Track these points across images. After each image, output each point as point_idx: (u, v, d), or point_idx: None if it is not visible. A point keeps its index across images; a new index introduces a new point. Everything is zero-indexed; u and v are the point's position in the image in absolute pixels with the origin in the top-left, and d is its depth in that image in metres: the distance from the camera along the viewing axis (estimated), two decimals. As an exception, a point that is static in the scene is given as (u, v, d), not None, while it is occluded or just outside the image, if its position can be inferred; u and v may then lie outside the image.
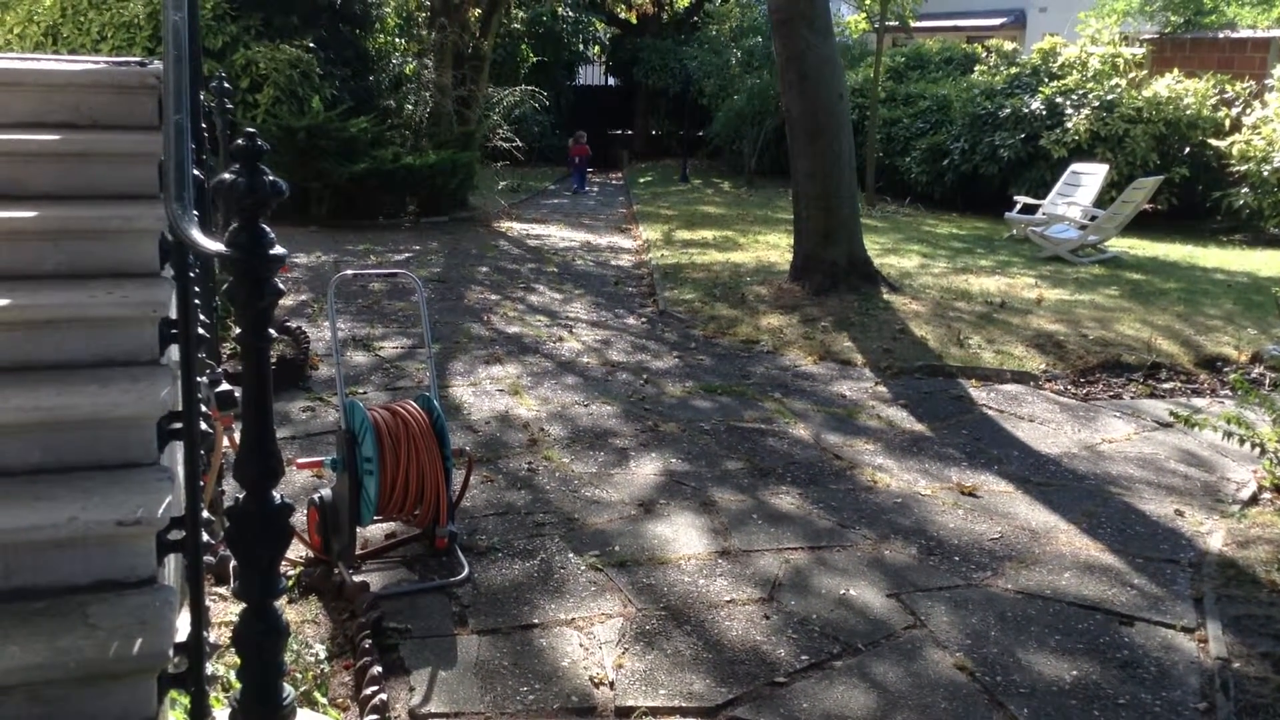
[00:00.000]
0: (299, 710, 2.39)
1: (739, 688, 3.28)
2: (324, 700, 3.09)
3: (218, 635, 3.10)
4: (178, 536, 2.50)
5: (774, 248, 11.67)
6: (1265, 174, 13.23)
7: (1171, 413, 5.35)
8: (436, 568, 4.04)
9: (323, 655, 3.33)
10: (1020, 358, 7.33)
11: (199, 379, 2.76)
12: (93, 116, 3.12)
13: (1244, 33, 16.85)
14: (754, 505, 4.76)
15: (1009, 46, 18.27)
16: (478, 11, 15.76)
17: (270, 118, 12.66)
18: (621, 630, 3.61)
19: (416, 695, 3.19)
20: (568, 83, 24.40)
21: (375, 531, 4.33)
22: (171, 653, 2.31)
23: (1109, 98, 14.63)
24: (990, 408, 6.39)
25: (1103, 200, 12.30)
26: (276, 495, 2.07)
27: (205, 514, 2.67)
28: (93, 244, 2.88)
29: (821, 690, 3.29)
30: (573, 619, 3.68)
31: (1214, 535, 4.57)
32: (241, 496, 2.06)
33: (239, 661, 2.20)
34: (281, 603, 2.16)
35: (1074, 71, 15.70)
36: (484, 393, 6.36)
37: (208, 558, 3.11)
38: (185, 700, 2.53)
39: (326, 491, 4.03)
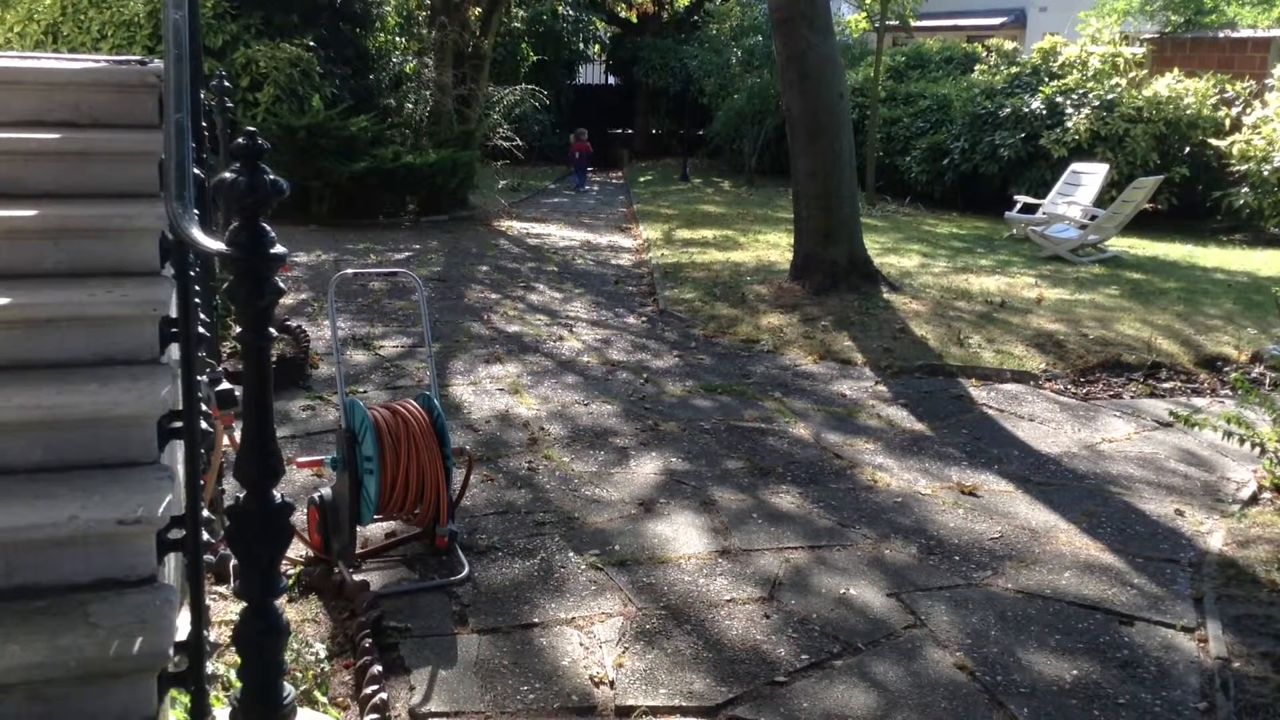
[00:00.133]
0: (299, 709, 2.39)
1: (739, 687, 3.28)
2: (324, 699, 3.09)
3: (218, 634, 3.10)
4: (178, 535, 2.50)
5: (774, 247, 11.66)
6: (1265, 174, 13.23)
7: (1171, 412, 5.35)
8: (436, 567, 4.04)
9: (323, 654, 3.33)
10: (1020, 357, 7.33)
11: (199, 378, 2.76)
12: (93, 115, 3.12)
13: (1244, 32, 16.85)
14: (754, 504, 4.76)
15: (1009, 46, 18.26)
16: (478, 10, 15.75)
17: (270, 116, 12.66)
18: (622, 629, 3.61)
19: (417, 694, 3.19)
20: (568, 82, 24.39)
21: (375, 530, 4.33)
22: (172, 651, 2.31)
23: (1109, 97, 14.63)
24: (990, 407, 6.39)
25: (1103, 200, 12.30)
26: (277, 494, 2.07)
27: (205, 513, 2.67)
28: (93, 242, 2.87)
29: (822, 690, 3.29)
30: (573, 618, 3.68)
31: (1214, 535, 4.57)
32: (242, 495, 2.06)
33: (239, 660, 2.20)
34: (282, 602, 2.16)
35: (1074, 71, 15.69)
36: (484, 392, 6.35)
37: (208, 556, 3.11)
38: (185, 699, 2.53)
39: (326, 490, 4.03)
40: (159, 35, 12.50)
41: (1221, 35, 16.97)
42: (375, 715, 2.94)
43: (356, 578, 3.79)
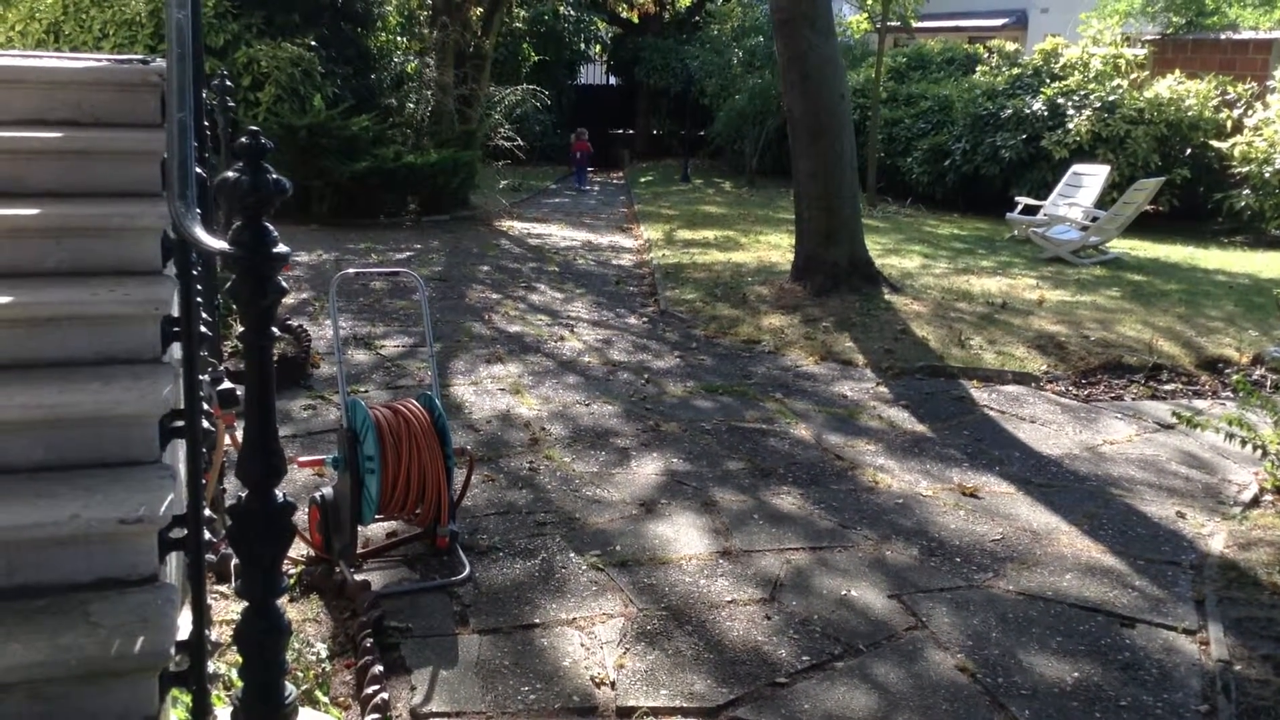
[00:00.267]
0: (300, 709, 2.38)
1: (740, 688, 3.28)
2: (325, 699, 3.09)
3: (219, 633, 3.09)
4: (179, 534, 2.50)
5: (775, 248, 11.66)
6: (1267, 175, 13.23)
7: (1174, 413, 5.35)
8: (438, 567, 4.04)
9: (324, 654, 3.32)
10: (1021, 359, 7.33)
11: (201, 377, 2.76)
12: (95, 114, 3.12)
13: (1246, 34, 16.84)
14: (755, 505, 4.75)
15: (1011, 47, 18.25)
16: (479, 10, 15.76)
17: (272, 116, 12.66)
18: (623, 630, 3.61)
19: (418, 694, 3.18)
20: (569, 82, 24.40)
21: (376, 530, 4.33)
22: (173, 651, 2.30)
23: (1110, 99, 14.63)
24: (991, 409, 6.39)
25: (1104, 201, 12.30)
26: (279, 494, 2.07)
27: (207, 512, 2.67)
28: (95, 241, 2.87)
29: (823, 691, 3.29)
30: (574, 619, 3.68)
31: (1215, 537, 4.57)
32: (244, 495, 2.06)
33: (240, 660, 2.20)
34: (283, 601, 2.16)
35: (1075, 72, 15.69)
36: (485, 392, 6.35)
37: (209, 556, 3.10)
38: (187, 698, 2.52)
39: (328, 490, 4.03)
40: (161, 34, 12.56)
41: (1223, 37, 16.97)
42: (376, 715, 2.94)
43: (358, 577, 3.79)
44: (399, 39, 16.53)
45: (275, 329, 2.04)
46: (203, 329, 2.85)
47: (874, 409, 6.30)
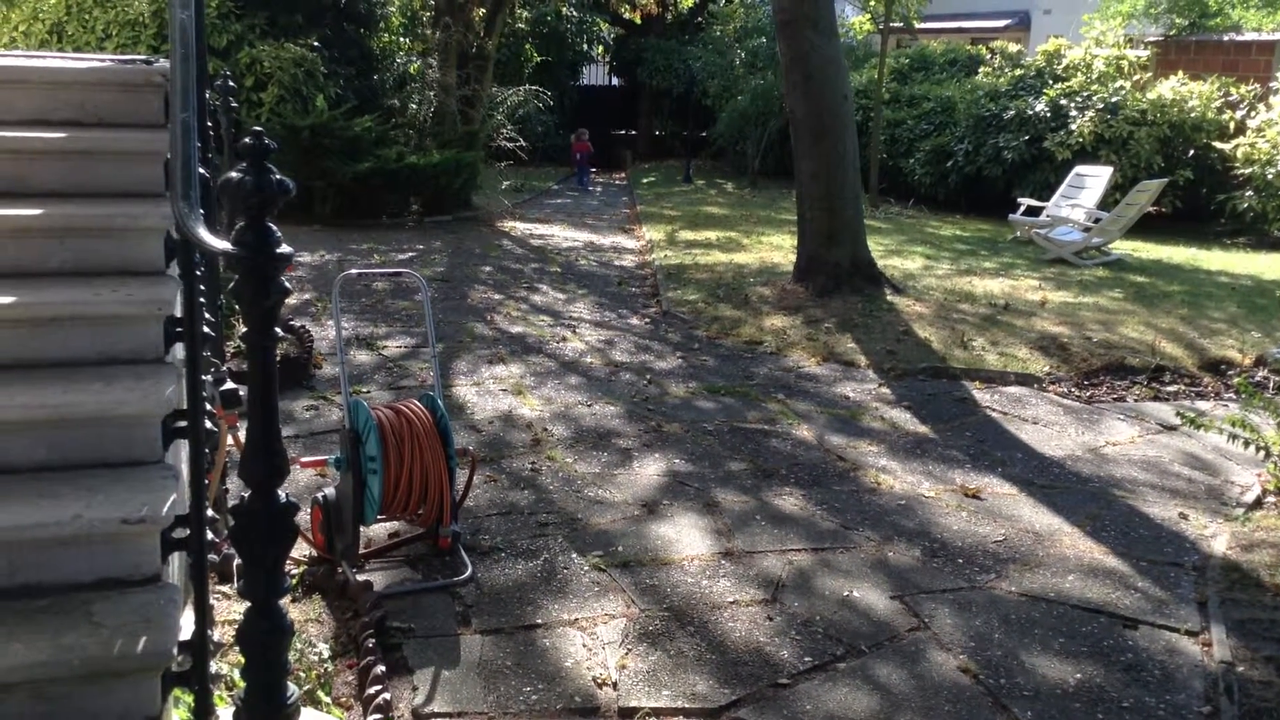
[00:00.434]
0: (303, 709, 2.38)
1: (742, 689, 3.28)
2: (327, 699, 3.09)
3: (221, 634, 3.09)
4: (182, 535, 2.50)
5: (777, 249, 11.66)
6: (1269, 177, 13.21)
7: (1178, 414, 5.34)
8: (440, 567, 4.04)
9: (326, 654, 3.32)
10: (1024, 360, 7.32)
11: (204, 377, 2.76)
12: (98, 114, 3.12)
13: (1249, 35, 16.83)
14: (757, 506, 4.75)
15: (1013, 48, 18.25)
16: (482, 11, 15.77)
17: (274, 116, 12.67)
18: (625, 631, 3.61)
19: (420, 695, 3.18)
20: (571, 83, 24.40)
21: (379, 530, 4.33)
22: (175, 651, 2.31)
23: (1113, 100, 14.61)
24: (994, 410, 6.38)
25: (1107, 203, 12.29)
26: (282, 494, 2.07)
27: (210, 512, 2.67)
28: (98, 242, 2.88)
29: (825, 692, 3.29)
30: (576, 619, 3.68)
31: (1218, 539, 4.56)
32: (247, 495, 2.06)
33: (243, 660, 2.20)
34: (285, 601, 2.16)
35: (1078, 73, 15.68)
36: (487, 392, 6.36)
37: (212, 556, 3.11)
38: (189, 699, 2.53)
39: (330, 490, 4.03)
40: (164, 35, 12.57)
41: (1226, 38, 16.96)
42: (378, 715, 2.94)
43: (360, 578, 3.79)
44: (402, 40, 16.54)
45: (278, 329, 2.05)
46: (205, 329, 2.85)
47: (876, 410, 6.30)
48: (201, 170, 2.53)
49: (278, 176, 1.94)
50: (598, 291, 9.76)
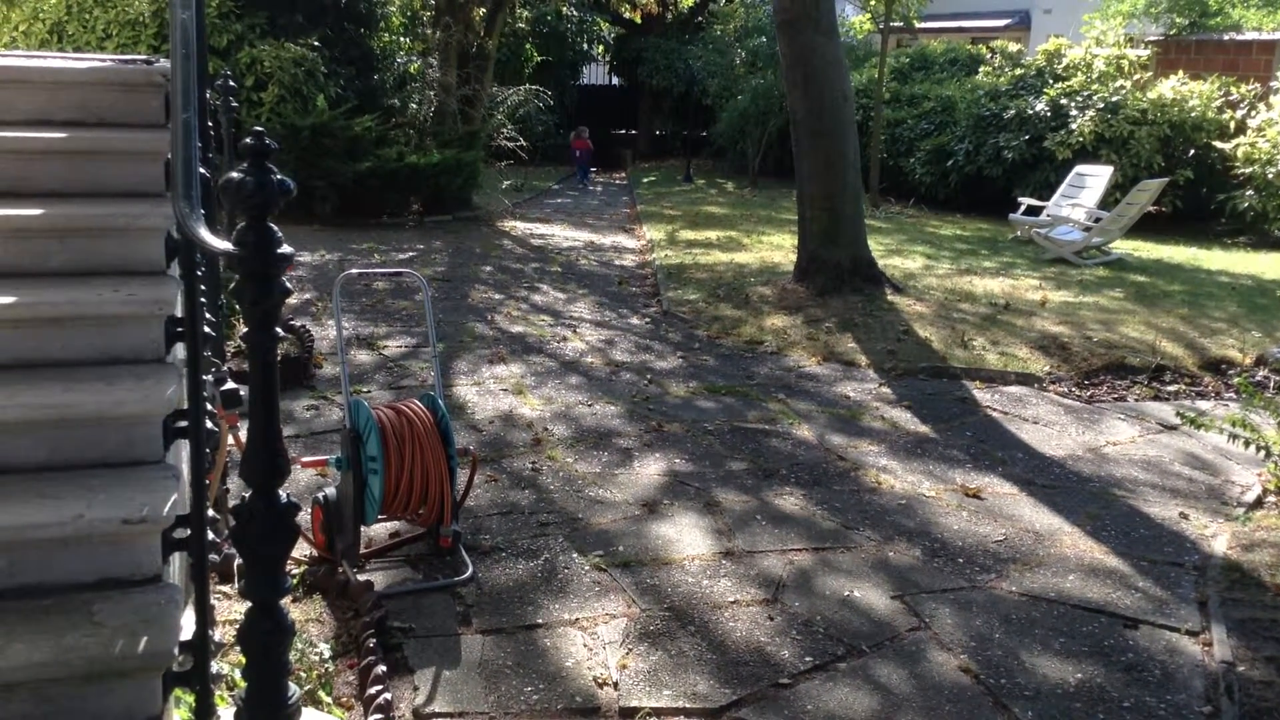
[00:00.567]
0: (303, 709, 2.39)
1: (743, 689, 3.28)
2: (328, 699, 3.09)
3: (222, 634, 3.10)
4: (183, 535, 2.50)
5: (778, 248, 11.66)
6: (1270, 176, 13.21)
7: (1179, 413, 5.34)
8: (441, 567, 4.04)
9: (327, 654, 3.33)
10: (1024, 359, 7.32)
11: (205, 377, 2.76)
12: (99, 114, 3.12)
13: (1249, 35, 16.83)
14: (758, 506, 4.75)
15: (1014, 48, 18.24)
16: (482, 10, 15.76)
17: (275, 116, 12.67)
18: (625, 631, 3.61)
19: (420, 694, 3.19)
20: (572, 82, 24.41)
21: (379, 530, 4.33)
22: (177, 651, 2.31)
23: (1114, 99, 14.61)
24: (994, 409, 6.39)
25: (1107, 202, 12.29)
26: (282, 494, 2.07)
27: (210, 512, 2.67)
28: (99, 241, 2.88)
29: (825, 692, 3.29)
30: (576, 619, 3.68)
31: (1218, 538, 4.56)
32: (247, 495, 2.06)
33: (244, 660, 2.20)
34: (286, 601, 2.16)
35: (1079, 73, 15.68)
36: (488, 392, 6.36)
37: (213, 556, 3.11)
38: (190, 699, 2.53)
39: (331, 490, 4.03)
40: (164, 34, 12.56)
41: (1226, 38, 16.95)
42: (379, 715, 2.94)
43: (361, 578, 3.79)
44: (402, 39, 16.53)
45: (279, 329, 2.05)
46: (206, 329, 2.85)
47: (877, 410, 6.30)
48: (202, 170, 2.53)
49: (279, 177, 1.94)
50: (598, 291, 9.76)
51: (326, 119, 12.66)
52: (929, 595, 3.95)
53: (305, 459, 4.17)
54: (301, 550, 4.05)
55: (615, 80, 27.13)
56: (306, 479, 4.82)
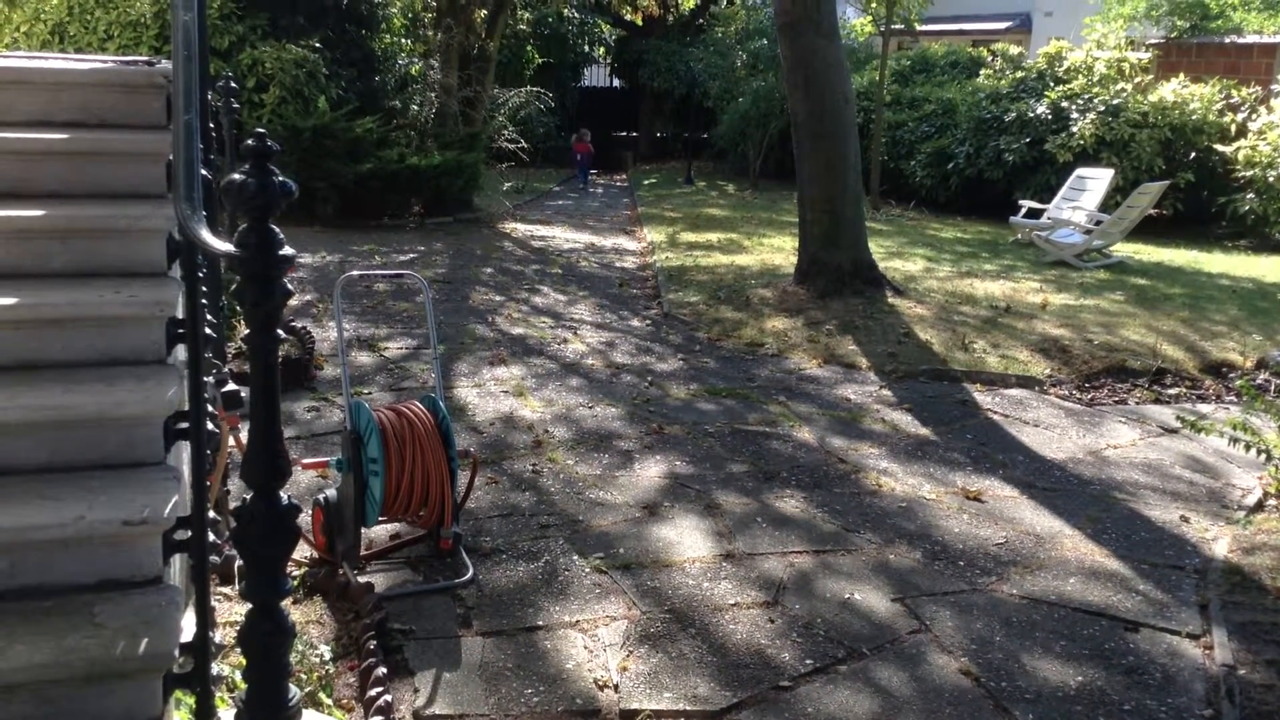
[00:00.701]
0: (304, 711, 2.39)
1: (743, 691, 3.28)
2: (329, 701, 3.09)
3: (223, 635, 3.10)
4: (184, 536, 2.50)
5: (778, 251, 11.66)
6: (1271, 180, 13.22)
7: (1179, 417, 5.34)
8: (441, 569, 4.04)
9: (327, 656, 3.32)
10: (1025, 362, 7.32)
11: (205, 379, 2.76)
12: (101, 115, 3.12)
13: (1250, 38, 16.84)
14: (758, 508, 4.75)
15: (1014, 50, 18.26)
16: (483, 13, 15.78)
17: (276, 118, 12.68)
18: (626, 633, 3.60)
19: (421, 696, 3.18)
20: (573, 84, 24.43)
21: (380, 532, 4.33)
22: (177, 653, 2.31)
23: (1114, 102, 14.62)
24: (995, 412, 6.38)
25: (1108, 205, 12.29)
26: (283, 496, 2.07)
27: (211, 514, 2.67)
28: (100, 243, 2.88)
29: (826, 694, 3.28)
30: (577, 621, 3.67)
31: (1219, 541, 4.56)
32: (248, 497, 2.06)
33: (244, 662, 2.20)
34: (287, 603, 2.16)
35: (1079, 76, 15.69)
36: (489, 394, 6.36)
37: (213, 558, 3.11)
38: (190, 700, 2.53)
39: (331, 492, 4.03)
40: (165, 36, 12.57)
41: (1227, 41, 16.96)
42: (380, 717, 2.94)
43: (361, 579, 3.79)
44: (403, 41, 16.54)
45: (280, 331, 2.05)
46: (208, 331, 2.85)
47: (877, 412, 6.30)
48: (204, 172, 2.53)
49: (280, 179, 1.95)
50: (599, 293, 9.76)
51: (328, 120, 12.68)
52: (929, 598, 3.95)
53: (306, 461, 4.17)
54: (302, 552, 4.05)
55: (616, 82, 27.15)
56: (307, 481, 4.82)
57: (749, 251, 11.71)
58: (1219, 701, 3.30)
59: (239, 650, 2.22)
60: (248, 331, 2.02)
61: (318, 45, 13.43)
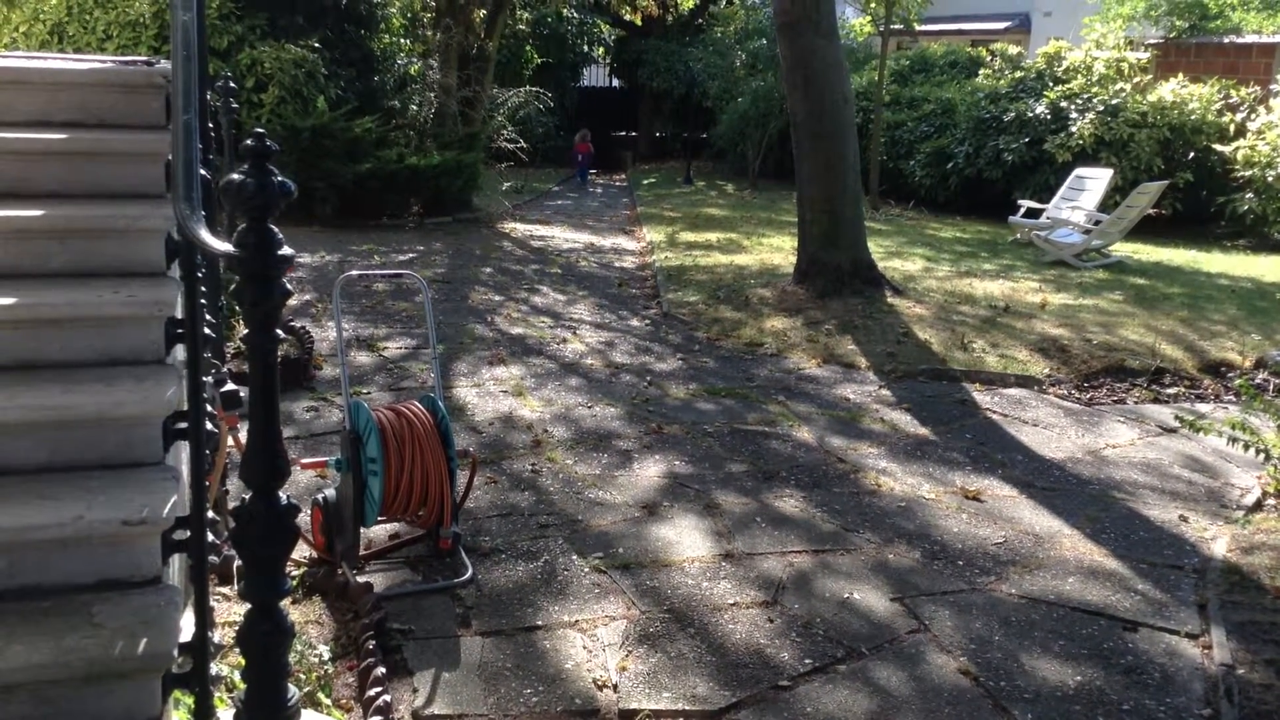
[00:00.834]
0: (303, 711, 2.38)
1: (742, 691, 3.28)
2: (328, 701, 3.09)
3: (222, 635, 3.09)
4: (183, 536, 2.50)
5: (778, 250, 11.66)
6: (1270, 179, 13.22)
7: (1177, 417, 5.34)
8: (440, 569, 4.04)
9: (326, 656, 3.32)
10: (1024, 362, 7.33)
11: (205, 379, 2.76)
12: (100, 115, 3.12)
13: (1249, 38, 16.84)
14: (757, 508, 4.75)
15: (1013, 50, 18.26)
16: (483, 12, 15.77)
17: (275, 118, 12.67)
18: (625, 633, 3.61)
19: (420, 696, 3.18)
20: (572, 84, 24.42)
21: (379, 532, 4.33)
22: (176, 653, 2.30)
23: (1113, 102, 14.62)
24: (994, 412, 6.38)
25: (1107, 205, 12.29)
26: (282, 496, 2.07)
27: (210, 514, 2.67)
28: (99, 243, 2.87)
29: (825, 694, 3.29)
30: (576, 621, 3.68)
31: (1218, 541, 4.56)
32: (247, 497, 2.06)
33: (243, 662, 2.20)
34: (286, 603, 2.16)
35: (1078, 76, 15.69)
36: (488, 394, 6.36)
37: (212, 558, 3.11)
38: (189, 700, 2.52)
39: (330, 492, 4.03)
40: (164, 36, 12.57)
41: (1226, 41, 16.97)
42: (379, 717, 2.94)
43: (360, 579, 3.79)
44: (402, 41, 16.53)
45: (279, 331, 2.05)
46: (206, 331, 2.85)
47: (876, 412, 6.30)
48: (203, 172, 2.53)
49: (279, 178, 1.94)
50: (598, 293, 9.76)
51: (327, 120, 12.67)
52: (928, 597, 3.95)
53: (305, 460, 4.17)
54: (301, 552, 4.05)
55: (615, 82, 27.14)
56: (306, 480, 4.82)
57: (748, 251, 11.71)
58: (1218, 701, 3.30)
59: (238, 650, 2.22)
60: (247, 331, 2.02)
61: (316, 45, 13.43)
